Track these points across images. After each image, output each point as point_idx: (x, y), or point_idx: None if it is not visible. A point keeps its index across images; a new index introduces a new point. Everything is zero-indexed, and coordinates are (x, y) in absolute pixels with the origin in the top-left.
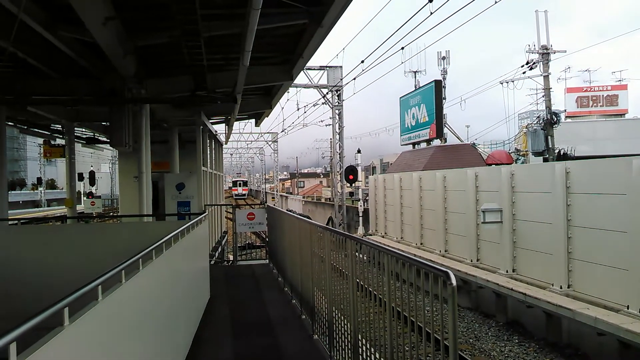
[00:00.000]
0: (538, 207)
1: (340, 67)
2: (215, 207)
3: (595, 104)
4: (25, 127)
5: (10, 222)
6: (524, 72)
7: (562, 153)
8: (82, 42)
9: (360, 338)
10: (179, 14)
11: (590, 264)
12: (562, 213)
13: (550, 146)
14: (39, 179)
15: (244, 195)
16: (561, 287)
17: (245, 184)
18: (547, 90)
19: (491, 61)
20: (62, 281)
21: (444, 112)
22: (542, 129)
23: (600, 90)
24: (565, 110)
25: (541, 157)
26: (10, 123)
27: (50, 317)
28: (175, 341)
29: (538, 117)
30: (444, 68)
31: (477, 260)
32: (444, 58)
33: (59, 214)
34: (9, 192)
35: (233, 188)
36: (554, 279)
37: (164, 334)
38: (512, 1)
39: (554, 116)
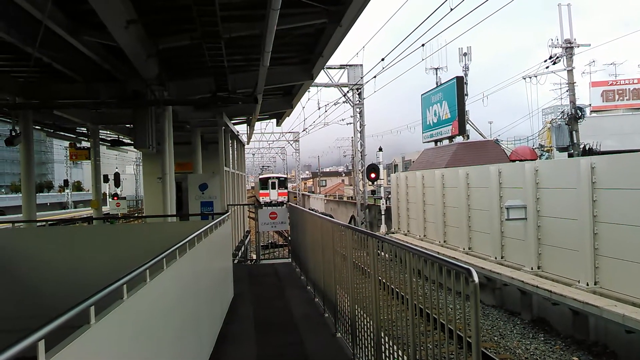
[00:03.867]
0: (563, 204)
1: (361, 65)
2: (238, 206)
3: (621, 98)
4: (52, 131)
5: (38, 224)
6: (547, 67)
7: (587, 148)
8: (105, 46)
9: (383, 336)
10: (199, 16)
11: (617, 260)
12: (588, 209)
13: (575, 141)
14: (66, 181)
15: (283, 203)
16: (587, 284)
17: (283, 183)
18: (571, 84)
19: (514, 55)
20: (88, 280)
21: (466, 109)
22: (566, 124)
23: (627, 84)
24: (590, 104)
25: (566, 153)
26: (37, 127)
27: (77, 316)
28: (200, 339)
29: (562, 112)
30: (465, 64)
31: (502, 257)
32: (465, 54)
33: (85, 215)
34: (37, 194)
35: (262, 192)
36: (580, 276)
37: (189, 332)
38: None
39: (578, 111)
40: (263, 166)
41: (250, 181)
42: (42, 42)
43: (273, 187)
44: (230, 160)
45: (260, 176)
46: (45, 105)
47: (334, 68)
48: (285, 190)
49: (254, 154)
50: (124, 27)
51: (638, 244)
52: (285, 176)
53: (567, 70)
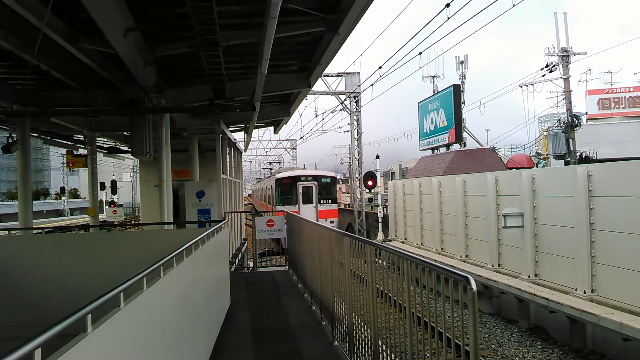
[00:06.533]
0: (560, 211)
1: (358, 73)
2: (235, 214)
3: (617, 106)
4: (49, 138)
5: (34, 231)
6: (543, 75)
7: (583, 156)
8: (103, 53)
9: (380, 344)
10: (197, 24)
11: (614, 268)
12: (585, 216)
13: (572, 149)
14: (62, 189)
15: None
16: (585, 292)
17: (329, 190)
18: (567, 92)
19: (511, 62)
20: (85, 288)
21: (463, 117)
22: (563, 132)
23: (622, 92)
24: (586, 112)
25: (562, 161)
26: (34, 134)
27: (74, 324)
28: (196, 348)
29: (559, 120)
30: (462, 72)
31: (499, 265)
32: (462, 62)
33: (81, 223)
34: (34, 202)
35: (281, 209)
36: (577, 284)
37: (185, 340)
38: (531, 2)
39: (575, 119)
40: (271, 163)
41: (248, 189)
42: (40, 50)
43: (307, 200)
44: (228, 168)
45: (278, 175)
46: (42, 112)
47: (332, 76)
48: (335, 206)
49: (251, 162)
50: (122, 35)
51: (635, 252)
52: (333, 175)
53: (564, 79)
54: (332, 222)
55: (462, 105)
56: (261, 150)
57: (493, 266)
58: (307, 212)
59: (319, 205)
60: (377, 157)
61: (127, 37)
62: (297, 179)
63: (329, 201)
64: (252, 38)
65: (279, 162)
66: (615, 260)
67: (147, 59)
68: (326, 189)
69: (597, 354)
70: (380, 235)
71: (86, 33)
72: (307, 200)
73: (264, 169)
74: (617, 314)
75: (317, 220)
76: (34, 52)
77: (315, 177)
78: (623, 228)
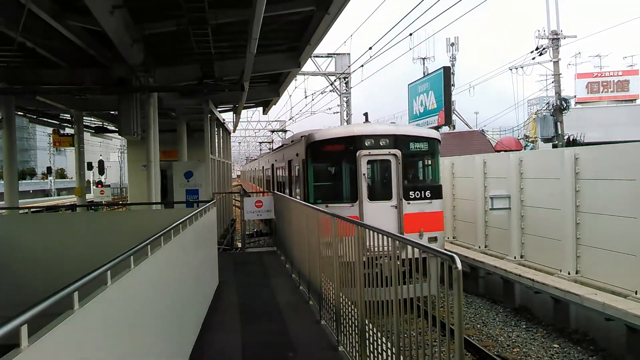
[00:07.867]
0: (546, 194)
1: (348, 54)
2: (224, 195)
3: (605, 90)
4: (35, 117)
5: (21, 211)
6: (533, 58)
7: (571, 139)
8: (90, 31)
9: (367, 323)
10: (185, 2)
11: (598, 249)
12: (571, 199)
13: (560, 132)
14: (49, 169)
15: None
16: (569, 273)
17: (421, 169)
18: (556, 76)
19: (502, 44)
20: (72, 268)
21: (453, 99)
22: (551, 115)
23: (611, 76)
24: (575, 96)
25: (550, 144)
26: (19, 113)
27: (61, 301)
28: (184, 327)
29: (547, 103)
30: (452, 54)
31: (485, 246)
32: (452, 44)
33: (69, 203)
34: (20, 182)
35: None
36: (562, 265)
37: (173, 319)
38: None
39: (563, 102)
40: (273, 131)
41: (236, 169)
42: (26, 27)
43: (378, 192)
44: (216, 148)
45: (315, 136)
46: (28, 90)
47: (322, 56)
48: (439, 206)
49: (239, 143)
50: (109, 12)
51: (618, 234)
52: (434, 136)
53: (553, 62)
54: (433, 238)
55: (452, 87)
56: (250, 132)
57: (480, 247)
58: (380, 215)
59: (404, 202)
60: None
61: (114, 14)
62: (356, 142)
63: (427, 193)
64: (241, 16)
65: (286, 131)
66: (600, 242)
67: (134, 37)
68: (416, 165)
69: (580, 334)
70: None
71: (72, 9)
72: (378, 192)
73: (260, 142)
74: (600, 295)
75: (403, 234)
76: (19, 29)
77: (396, 140)
78: (608, 210)
